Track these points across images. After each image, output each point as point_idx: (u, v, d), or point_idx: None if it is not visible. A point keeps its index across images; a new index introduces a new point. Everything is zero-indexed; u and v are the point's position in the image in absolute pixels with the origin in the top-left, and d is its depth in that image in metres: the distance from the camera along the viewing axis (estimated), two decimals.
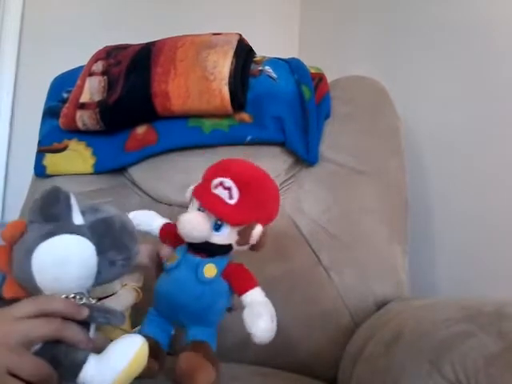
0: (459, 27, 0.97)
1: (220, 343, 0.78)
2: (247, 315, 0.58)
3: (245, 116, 0.96)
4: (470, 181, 0.91)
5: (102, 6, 1.45)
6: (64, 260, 0.48)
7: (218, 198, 0.60)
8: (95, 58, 1.05)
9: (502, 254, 0.83)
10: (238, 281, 0.63)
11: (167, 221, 0.70)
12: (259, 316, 0.57)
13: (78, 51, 1.13)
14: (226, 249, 0.62)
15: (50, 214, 0.49)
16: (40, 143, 1.06)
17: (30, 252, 0.48)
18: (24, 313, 0.46)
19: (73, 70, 1.10)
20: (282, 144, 0.95)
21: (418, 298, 0.80)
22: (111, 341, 0.51)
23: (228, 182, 0.60)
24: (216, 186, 0.61)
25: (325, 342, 0.82)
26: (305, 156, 0.94)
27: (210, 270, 0.62)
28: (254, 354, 0.80)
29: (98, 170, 1.01)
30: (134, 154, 0.99)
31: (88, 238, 0.50)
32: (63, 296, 0.49)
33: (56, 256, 0.48)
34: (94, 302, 0.51)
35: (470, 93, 0.93)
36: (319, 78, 1.00)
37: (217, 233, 0.61)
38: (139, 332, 0.64)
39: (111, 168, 1.01)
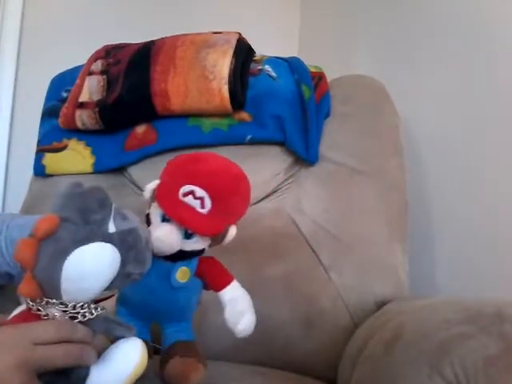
0: (459, 27, 0.96)
1: (219, 343, 0.78)
2: (230, 313, 0.57)
3: (244, 115, 0.96)
4: (470, 180, 0.91)
5: (101, 6, 1.45)
6: (96, 271, 0.46)
7: (187, 207, 0.55)
8: (94, 57, 1.05)
9: (501, 254, 0.83)
10: (212, 277, 0.60)
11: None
12: (242, 313, 0.57)
13: (77, 50, 1.13)
14: (197, 252, 0.59)
15: (90, 218, 0.46)
16: (39, 143, 1.06)
17: (62, 256, 0.45)
18: (45, 339, 0.44)
19: (72, 69, 1.10)
20: (281, 143, 0.95)
21: (417, 298, 0.80)
22: (111, 341, 0.50)
23: (200, 192, 0.55)
24: (185, 195, 0.55)
25: (324, 342, 0.82)
26: (304, 155, 0.93)
27: (182, 273, 0.58)
28: (254, 354, 0.80)
29: (98, 170, 1.01)
30: (134, 154, 0.99)
31: (117, 247, 0.47)
32: (80, 304, 0.47)
33: (89, 266, 0.45)
34: (99, 310, 0.49)
35: (470, 93, 0.93)
36: (319, 77, 1.00)
37: (189, 240, 0.56)
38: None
39: (111, 167, 1.01)
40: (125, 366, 0.46)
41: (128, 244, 0.48)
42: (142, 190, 0.98)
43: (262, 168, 0.95)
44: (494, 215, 0.85)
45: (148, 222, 0.59)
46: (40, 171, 1.04)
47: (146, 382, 0.50)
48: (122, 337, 0.49)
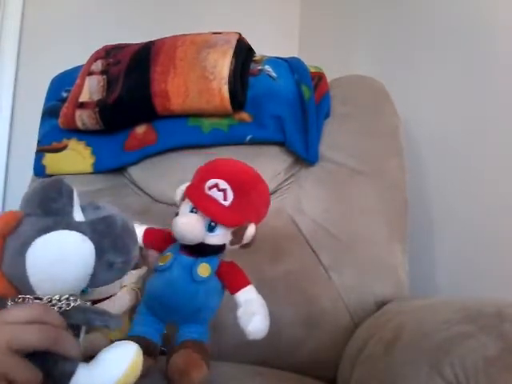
0: (459, 27, 0.96)
1: (220, 343, 0.78)
2: (242, 313, 0.59)
3: (244, 115, 0.96)
4: (470, 180, 0.91)
5: (101, 6, 1.45)
6: (61, 258, 0.44)
7: (212, 199, 0.60)
8: (94, 58, 1.05)
9: (501, 254, 0.83)
10: (230, 279, 0.63)
11: (145, 226, 0.68)
12: (254, 314, 0.58)
13: (77, 50, 1.13)
14: (219, 248, 0.62)
15: (50, 208, 0.45)
16: (39, 143, 1.06)
17: (24, 247, 0.44)
18: (16, 317, 0.42)
19: (72, 69, 1.10)
20: (281, 143, 0.95)
21: (417, 298, 0.80)
22: (111, 341, 0.50)
23: (223, 184, 0.60)
24: (210, 188, 0.61)
25: (325, 342, 0.82)
26: (304, 155, 0.93)
27: (204, 269, 0.61)
28: (254, 354, 0.80)
29: (98, 170, 1.01)
30: (134, 154, 0.99)
31: (88, 236, 0.46)
32: (56, 297, 0.45)
33: (53, 253, 0.44)
34: (78, 301, 0.47)
35: (470, 93, 0.93)
36: (319, 78, 1.00)
37: (211, 233, 0.60)
38: (131, 331, 0.63)
39: (111, 167, 1.01)
40: (113, 372, 0.44)
41: (99, 231, 0.46)
42: (141, 190, 0.99)
43: (262, 168, 0.93)
44: (494, 215, 0.85)
45: None
46: (40, 171, 1.04)
47: (148, 382, 0.50)
48: (105, 326, 0.47)
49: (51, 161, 1.03)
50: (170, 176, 0.97)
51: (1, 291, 0.45)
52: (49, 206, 0.46)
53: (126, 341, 0.48)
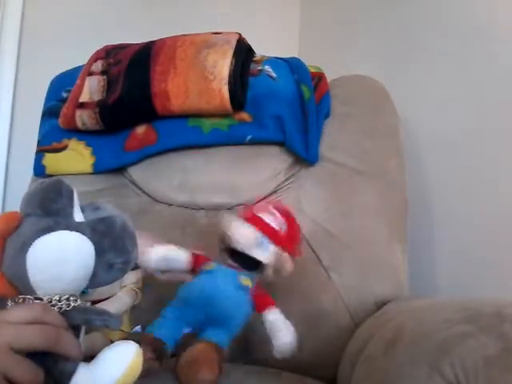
0: (459, 27, 0.97)
1: None
2: (269, 330, 0.67)
3: (244, 116, 0.96)
4: (470, 180, 0.91)
5: (101, 6, 1.45)
6: (61, 258, 0.45)
7: (266, 221, 0.69)
8: (95, 58, 1.05)
9: (502, 254, 0.83)
10: (259, 300, 0.69)
11: (189, 252, 0.71)
12: (280, 331, 0.66)
13: (77, 51, 1.13)
14: (259, 266, 0.68)
15: (50, 208, 0.46)
16: (39, 143, 1.06)
17: (24, 247, 0.44)
18: (17, 317, 0.42)
19: (72, 69, 1.10)
20: (281, 144, 0.95)
21: (417, 298, 0.80)
22: (111, 341, 0.50)
23: (277, 214, 0.70)
24: (265, 214, 0.69)
25: (325, 342, 0.82)
26: (304, 155, 0.93)
27: (245, 280, 0.68)
28: (254, 354, 0.80)
29: (98, 170, 1.01)
30: (134, 154, 0.98)
31: (88, 236, 0.46)
32: (56, 297, 0.45)
33: (53, 253, 0.45)
34: (78, 301, 0.47)
35: (469, 93, 0.93)
36: (319, 78, 1.00)
37: (259, 249, 0.67)
38: (147, 329, 0.64)
39: (111, 168, 1.01)
40: (112, 372, 0.44)
41: (99, 232, 0.47)
42: (142, 190, 0.99)
43: (262, 168, 0.95)
44: (494, 215, 0.85)
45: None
46: (40, 171, 1.04)
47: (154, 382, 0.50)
48: (105, 326, 0.47)
49: (51, 161, 1.03)
50: (170, 176, 0.97)
51: (1, 291, 0.45)
52: (49, 206, 0.46)
53: (127, 341, 0.48)
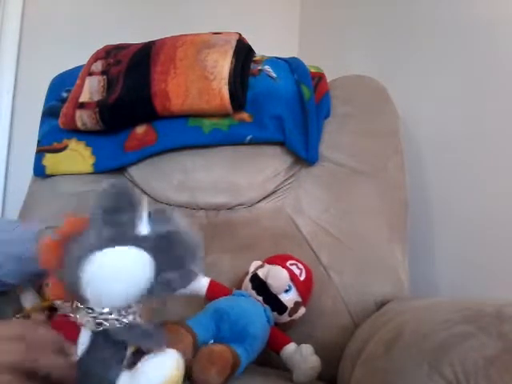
0: (459, 27, 0.97)
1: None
2: (289, 366, 0.72)
3: (244, 116, 0.96)
4: (470, 180, 0.91)
5: (101, 6, 1.45)
6: (116, 278, 0.44)
7: (296, 272, 0.77)
8: (95, 58, 1.05)
9: (502, 254, 0.83)
10: (276, 338, 0.74)
11: (209, 278, 0.76)
12: (307, 356, 0.71)
13: (77, 51, 1.13)
14: (282, 309, 0.75)
15: (116, 219, 0.45)
16: (39, 143, 1.06)
17: (83, 257, 0.43)
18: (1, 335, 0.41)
19: (72, 69, 1.10)
20: (281, 144, 0.95)
21: (417, 298, 0.80)
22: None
23: (300, 265, 0.78)
24: (291, 265, 0.77)
25: (325, 342, 0.82)
26: (304, 156, 0.93)
27: (270, 314, 0.74)
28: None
29: (98, 170, 1.01)
30: (134, 154, 0.99)
31: (148, 253, 0.45)
32: (106, 309, 0.44)
33: (110, 270, 0.44)
34: (131, 317, 0.46)
35: (469, 93, 0.93)
36: (319, 78, 1.00)
37: (285, 294, 0.74)
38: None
39: (111, 168, 1.01)
40: (154, 379, 0.44)
41: (161, 249, 0.45)
42: (142, 190, 0.99)
43: (262, 168, 0.95)
44: (494, 215, 0.85)
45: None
46: (40, 171, 1.04)
47: None
48: (145, 347, 0.46)
49: (51, 161, 1.03)
50: (170, 176, 0.97)
51: (57, 296, 0.45)
52: (115, 216, 0.45)
53: (170, 350, 0.46)
